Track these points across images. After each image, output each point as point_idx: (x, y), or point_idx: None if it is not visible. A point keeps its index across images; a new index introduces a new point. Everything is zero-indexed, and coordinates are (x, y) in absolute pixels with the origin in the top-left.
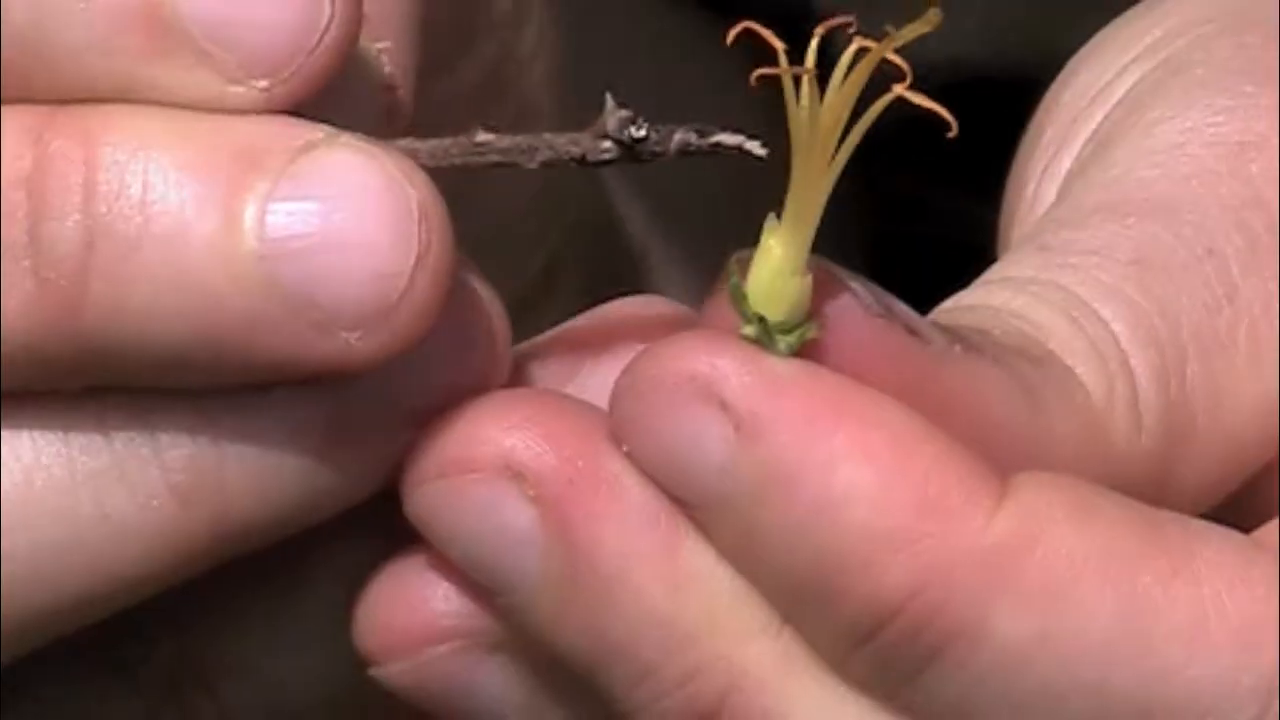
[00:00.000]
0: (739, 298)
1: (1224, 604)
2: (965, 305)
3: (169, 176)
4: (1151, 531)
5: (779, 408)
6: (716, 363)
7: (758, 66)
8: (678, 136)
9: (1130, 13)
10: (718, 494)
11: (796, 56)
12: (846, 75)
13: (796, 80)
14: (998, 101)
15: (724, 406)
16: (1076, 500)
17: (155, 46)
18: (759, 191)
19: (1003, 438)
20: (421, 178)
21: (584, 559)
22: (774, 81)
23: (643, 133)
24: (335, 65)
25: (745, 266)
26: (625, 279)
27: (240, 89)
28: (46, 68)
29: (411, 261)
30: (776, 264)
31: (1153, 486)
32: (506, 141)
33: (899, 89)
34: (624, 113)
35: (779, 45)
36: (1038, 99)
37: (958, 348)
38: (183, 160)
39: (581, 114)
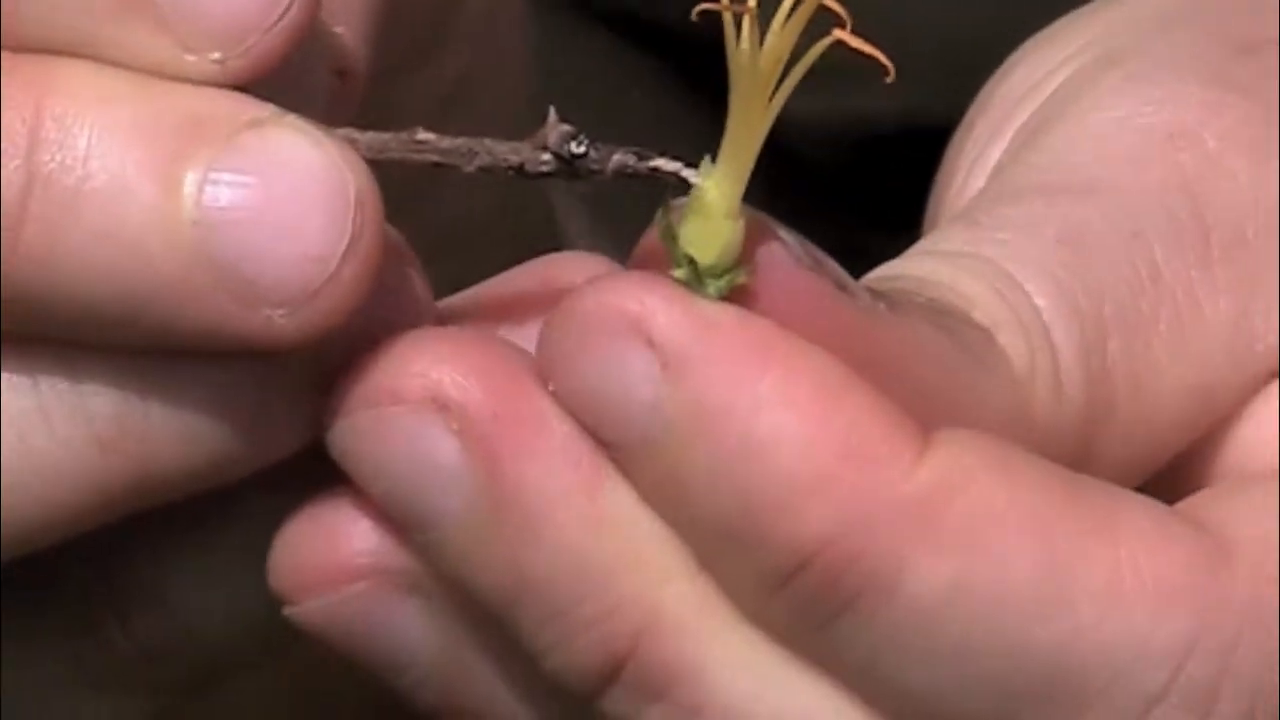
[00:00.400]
0: (670, 238)
1: (1140, 566)
2: (891, 274)
3: (115, 135)
4: (1071, 491)
5: (706, 348)
6: (645, 300)
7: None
8: (616, 157)
9: (1066, 17)
10: (642, 432)
11: None
12: (788, 18)
13: (738, 20)
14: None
15: (651, 344)
16: (998, 456)
17: (121, 6)
18: None
19: (927, 394)
20: (360, 166)
21: (505, 494)
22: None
23: (582, 149)
24: (291, 45)
25: (680, 210)
26: None
27: (195, 59)
28: (14, 15)
29: (342, 247)
30: (709, 206)
31: (1073, 459)
32: (446, 143)
33: (838, 33)
34: (565, 128)
35: None
36: None
37: (883, 305)
38: (130, 121)
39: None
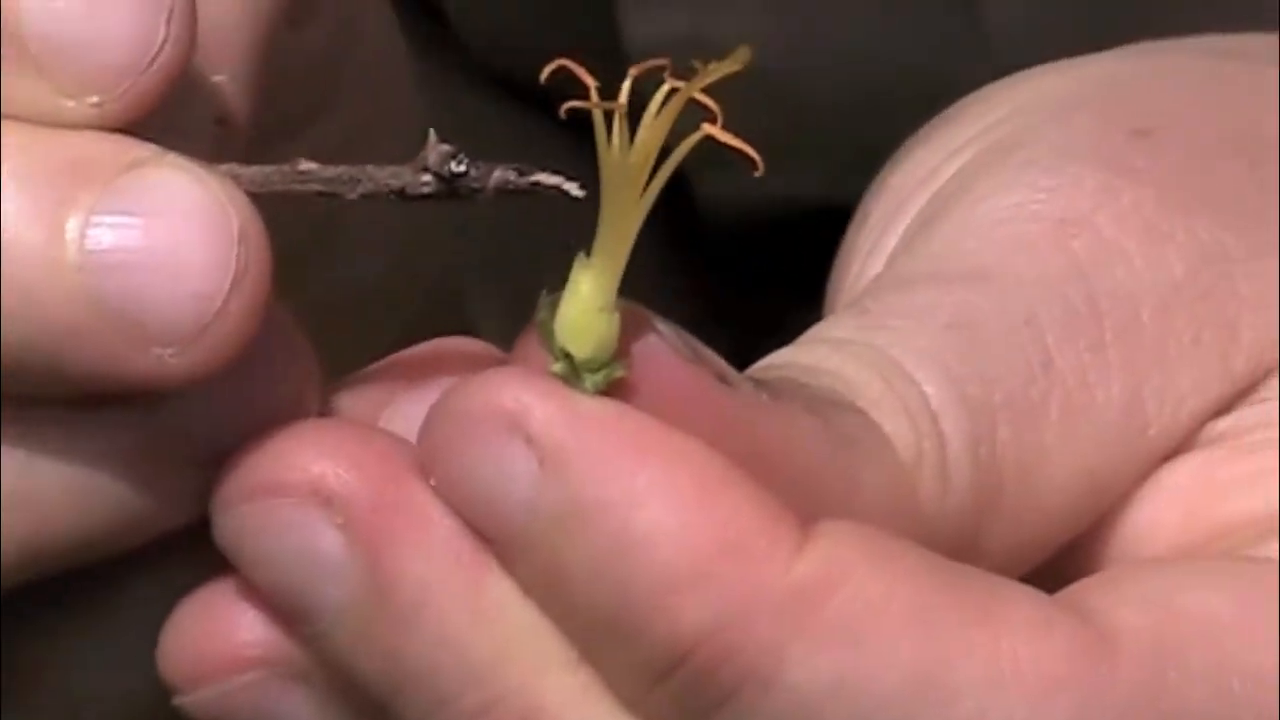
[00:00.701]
0: (547, 334)
1: (1020, 657)
2: (779, 363)
3: None
4: (951, 581)
5: (583, 443)
6: (522, 397)
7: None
8: (497, 174)
9: (961, 101)
10: (521, 528)
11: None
12: (658, 114)
13: (608, 117)
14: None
15: (529, 441)
16: (878, 548)
17: None
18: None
19: (808, 485)
20: (243, 201)
21: (387, 586)
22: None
23: (462, 168)
24: (167, 87)
25: (556, 304)
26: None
27: (73, 104)
28: None
29: (228, 283)
30: (584, 300)
31: (959, 546)
32: (329, 171)
33: (708, 127)
34: (445, 147)
35: (591, 82)
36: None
37: (765, 396)
38: (11, 170)
39: None
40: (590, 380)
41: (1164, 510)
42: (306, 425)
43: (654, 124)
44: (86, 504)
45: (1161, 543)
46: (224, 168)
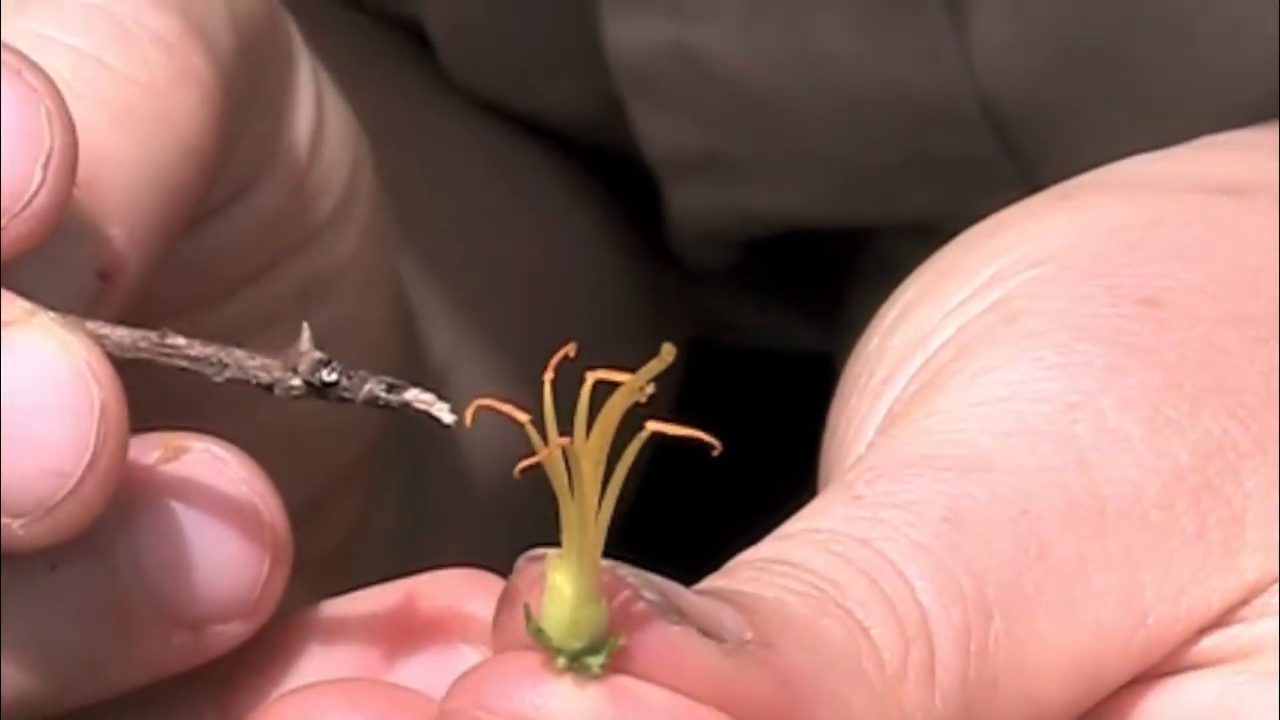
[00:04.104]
0: (541, 638)
1: None
2: (765, 559)
3: None
4: None
5: None
6: (540, 704)
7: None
8: (368, 387)
9: (956, 250)
10: None
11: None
12: (590, 412)
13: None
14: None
15: None
16: None
17: None
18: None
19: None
20: (107, 373)
21: None
22: None
23: (334, 377)
24: (41, 233)
25: (536, 591)
26: (428, 438)
27: None
28: None
29: (84, 462)
30: (569, 602)
31: None
32: (196, 349)
33: (652, 425)
34: (317, 355)
35: (523, 418)
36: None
37: (749, 636)
38: None
39: None
40: (596, 664)
41: None
42: (333, 690)
43: (595, 434)
44: (45, 663)
45: None
46: (91, 325)
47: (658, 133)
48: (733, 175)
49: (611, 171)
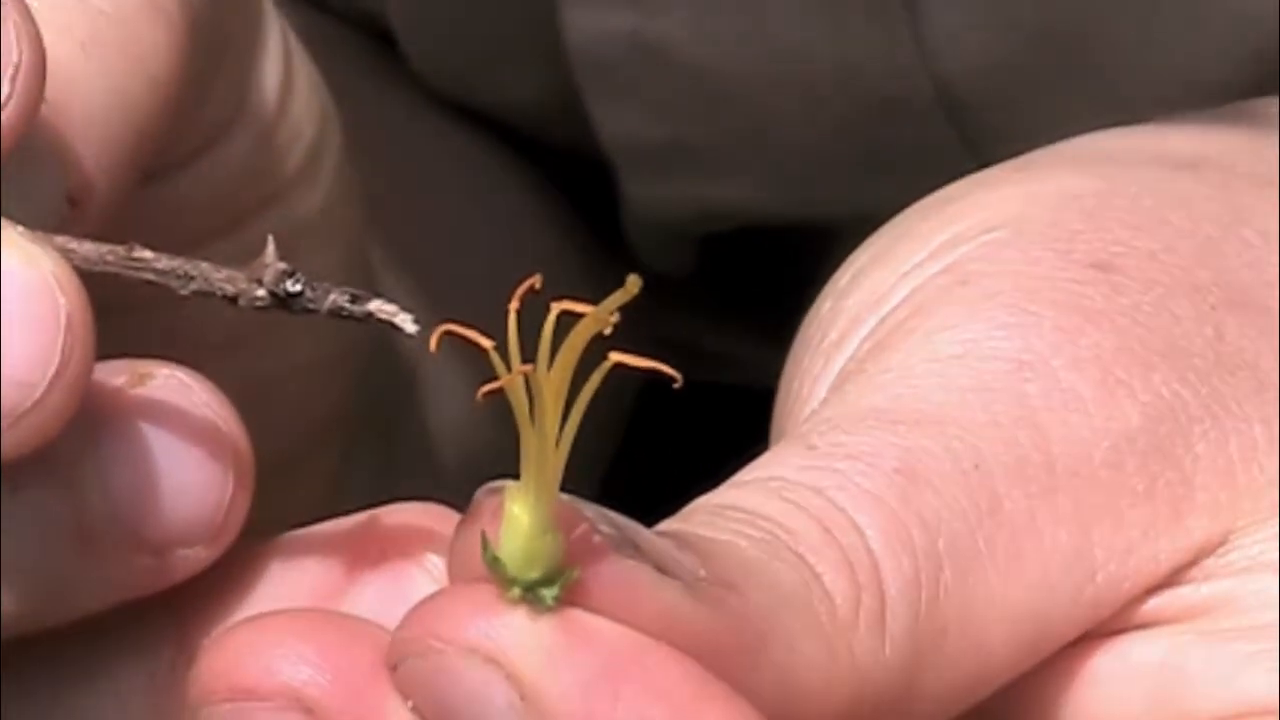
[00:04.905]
0: (497, 567)
1: None
2: (723, 503)
3: None
4: None
5: (561, 679)
6: (493, 634)
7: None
8: (332, 297)
9: (911, 216)
10: None
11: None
12: (553, 342)
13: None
14: (784, 249)
15: (508, 678)
16: None
17: None
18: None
19: (747, 663)
20: (74, 285)
21: None
22: None
23: (298, 288)
24: (8, 144)
25: (495, 520)
26: (392, 411)
27: None
28: None
29: (50, 373)
30: (526, 531)
31: (896, 697)
32: (163, 262)
33: (615, 356)
34: (281, 266)
35: (487, 344)
36: (827, 248)
37: (702, 574)
38: None
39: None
40: (549, 595)
41: (1129, 689)
42: (287, 619)
43: (557, 365)
44: (8, 579)
45: None
46: (59, 239)
47: (615, 123)
48: (690, 166)
49: (573, 176)
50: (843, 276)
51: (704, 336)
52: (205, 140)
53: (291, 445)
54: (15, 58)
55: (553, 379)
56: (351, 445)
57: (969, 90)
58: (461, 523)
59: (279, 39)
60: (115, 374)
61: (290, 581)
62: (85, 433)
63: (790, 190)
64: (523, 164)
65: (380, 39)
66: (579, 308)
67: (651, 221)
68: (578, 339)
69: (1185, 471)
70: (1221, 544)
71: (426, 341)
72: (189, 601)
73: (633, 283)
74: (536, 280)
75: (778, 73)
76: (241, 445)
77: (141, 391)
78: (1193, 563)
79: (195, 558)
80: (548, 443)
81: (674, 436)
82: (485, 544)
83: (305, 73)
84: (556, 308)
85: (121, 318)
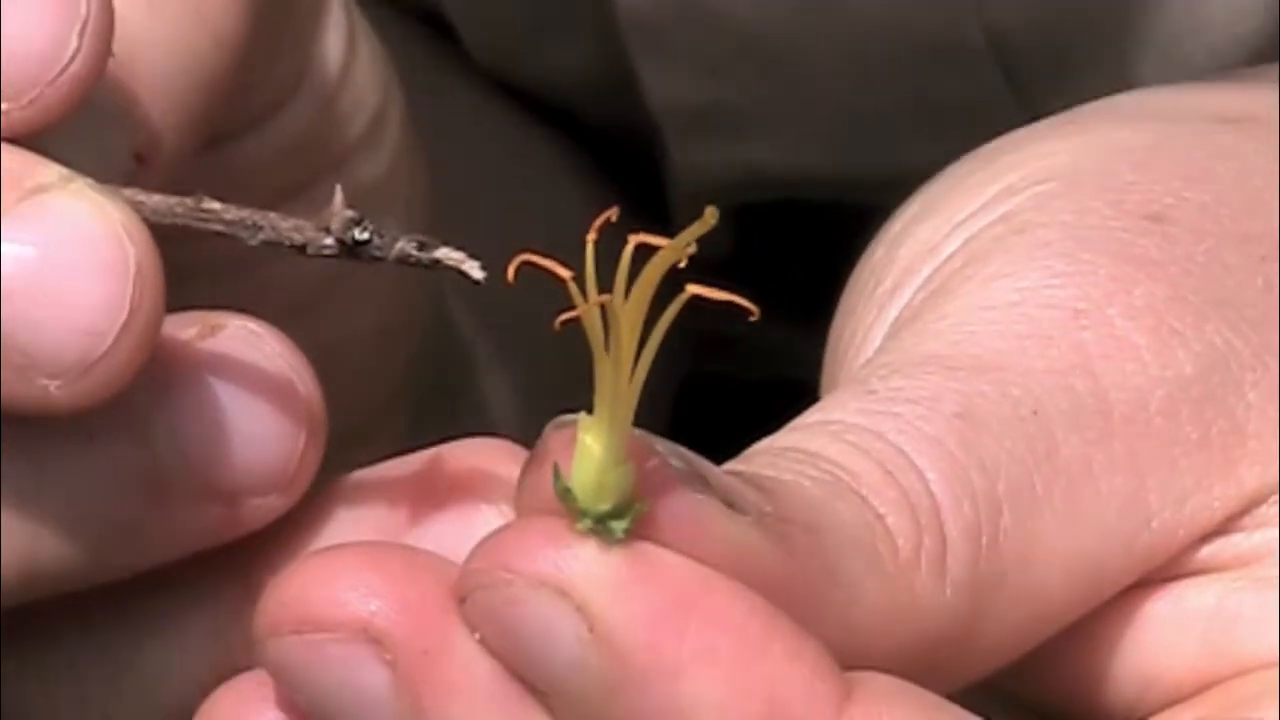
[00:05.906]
0: (568, 498)
1: None
2: (784, 445)
3: None
4: None
5: (628, 610)
6: (563, 566)
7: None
8: (400, 245)
9: (963, 168)
10: (569, 684)
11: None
12: (630, 271)
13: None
14: (819, 232)
15: (577, 609)
16: (917, 708)
17: None
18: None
19: (813, 600)
20: (144, 236)
21: None
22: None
23: (366, 235)
24: (76, 98)
25: (567, 452)
26: (454, 386)
27: None
28: None
29: (120, 322)
30: (598, 462)
31: (956, 639)
32: (231, 214)
33: (692, 288)
34: (350, 213)
35: (565, 273)
36: (864, 228)
37: (769, 510)
38: None
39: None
40: (619, 528)
41: (1182, 635)
42: (354, 553)
43: (634, 296)
44: (82, 528)
45: (1178, 666)
46: (128, 192)
47: (664, 86)
48: (737, 127)
49: (614, 158)
50: (895, 225)
51: (739, 326)
52: (270, 105)
53: (359, 416)
54: (83, 12)
55: (629, 309)
56: (419, 417)
57: (1021, 40)
58: (533, 454)
59: (341, 7)
60: (186, 326)
61: (356, 521)
62: (157, 384)
63: (838, 150)
64: (567, 146)
65: (427, 21)
66: (656, 240)
67: (696, 189)
68: (654, 270)
69: (1238, 420)
70: (1273, 492)
71: (493, 286)
72: (255, 545)
73: (710, 214)
74: (614, 213)
75: (826, 24)
76: (313, 396)
77: (212, 343)
78: (1245, 511)
79: (268, 507)
80: (622, 374)
81: (706, 435)
82: (557, 474)
83: (368, 43)
84: (634, 240)
85: (178, 288)
